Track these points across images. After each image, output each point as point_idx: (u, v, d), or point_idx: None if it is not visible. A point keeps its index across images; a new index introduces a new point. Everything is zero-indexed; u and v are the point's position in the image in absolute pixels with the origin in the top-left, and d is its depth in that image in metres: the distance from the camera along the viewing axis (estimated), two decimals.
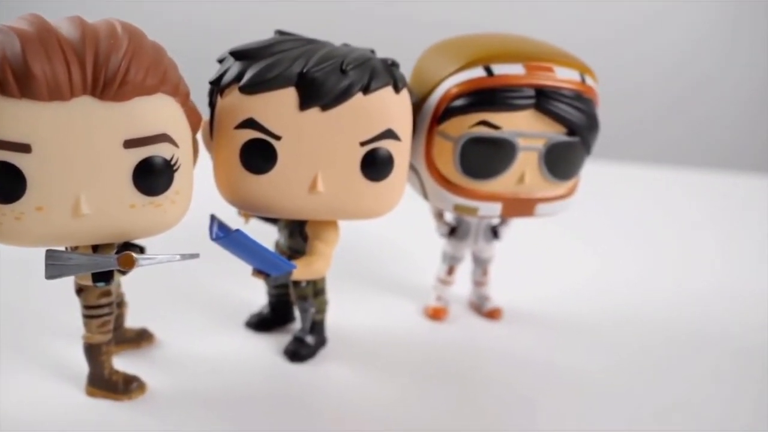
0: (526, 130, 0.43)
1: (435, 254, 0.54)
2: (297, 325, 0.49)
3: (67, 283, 0.37)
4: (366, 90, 0.37)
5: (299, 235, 0.43)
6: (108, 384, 0.40)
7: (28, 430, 0.36)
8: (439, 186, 0.46)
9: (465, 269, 0.54)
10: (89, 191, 0.32)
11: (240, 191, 0.39)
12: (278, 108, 0.37)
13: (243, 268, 0.39)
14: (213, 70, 0.39)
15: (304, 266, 0.41)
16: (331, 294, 0.46)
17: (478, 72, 0.43)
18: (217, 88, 0.39)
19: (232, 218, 0.41)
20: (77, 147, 0.31)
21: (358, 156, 0.39)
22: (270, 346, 0.47)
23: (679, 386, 0.44)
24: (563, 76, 0.43)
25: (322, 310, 0.46)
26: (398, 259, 0.63)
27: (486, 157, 0.44)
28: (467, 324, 0.52)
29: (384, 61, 0.40)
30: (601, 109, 0.46)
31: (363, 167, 0.39)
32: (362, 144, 0.38)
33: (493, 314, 0.53)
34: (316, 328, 0.46)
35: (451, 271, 0.53)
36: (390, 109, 0.39)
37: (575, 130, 0.44)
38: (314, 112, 0.37)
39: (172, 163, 0.34)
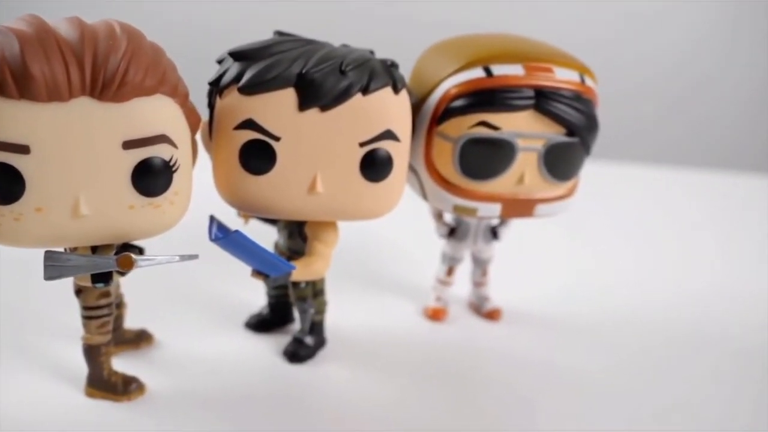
0: (526, 130, 0.43)
1: (434, 255, 0.54)
2: (296, 325, 0.49)
3: (67, 283, 0.37)
4: (365, 91, 0.37)
5: (298, 235, 0.43)
6: (107, 385, 0.40)
7: (27, 431, 0.36)
8: (439, 187, 0.46)
9: (464, 270, 0.54)
10: (88, 192, 0.32)
11: (239, 192, 0.39)
12: (277, 109, 0.37)
13: (242, 269, 0.39)
14: (212, 71, 0.39)
15: (304, 267, 0.41)
16: (331, 295, 0.46)
17: (478, 72, 0.43)
18: (216, 88, 0.39)
19: (231, 219, 0.41)
20: (76, 148, 0.31)
21: (358, 157, 0.39)
22: (269, 346, 0.47)
23: (678, 386, 0.44)
24: (562, 77, 0.43)
25: (321, 310, 0.46)
26: (397, 260, 0.63)
27: (485, 157, 0.44)
28: (467, 324, 0.52)
29: (383, 61, 0.40)
30: (601, 108, 0.46)
31: (362, 168, 0.39)
32: (361, 145, 0.38)
33: (492, 315, 0.53)
34: (316, 328, 0.46)
35: (450, 271, 0.53)
36: (389, 109, 0.39)
37: (574, 130, 0.44)
38: (313, 113, 0.37)
39: (171, 164, 0.34)
